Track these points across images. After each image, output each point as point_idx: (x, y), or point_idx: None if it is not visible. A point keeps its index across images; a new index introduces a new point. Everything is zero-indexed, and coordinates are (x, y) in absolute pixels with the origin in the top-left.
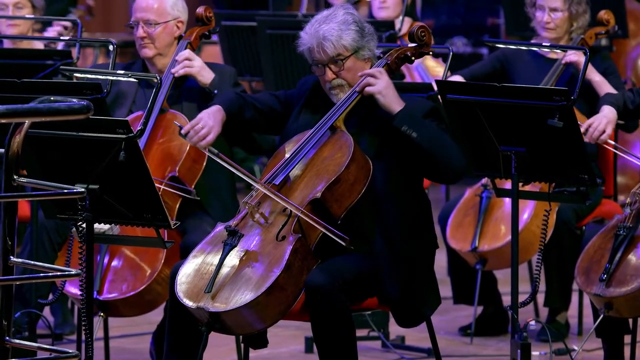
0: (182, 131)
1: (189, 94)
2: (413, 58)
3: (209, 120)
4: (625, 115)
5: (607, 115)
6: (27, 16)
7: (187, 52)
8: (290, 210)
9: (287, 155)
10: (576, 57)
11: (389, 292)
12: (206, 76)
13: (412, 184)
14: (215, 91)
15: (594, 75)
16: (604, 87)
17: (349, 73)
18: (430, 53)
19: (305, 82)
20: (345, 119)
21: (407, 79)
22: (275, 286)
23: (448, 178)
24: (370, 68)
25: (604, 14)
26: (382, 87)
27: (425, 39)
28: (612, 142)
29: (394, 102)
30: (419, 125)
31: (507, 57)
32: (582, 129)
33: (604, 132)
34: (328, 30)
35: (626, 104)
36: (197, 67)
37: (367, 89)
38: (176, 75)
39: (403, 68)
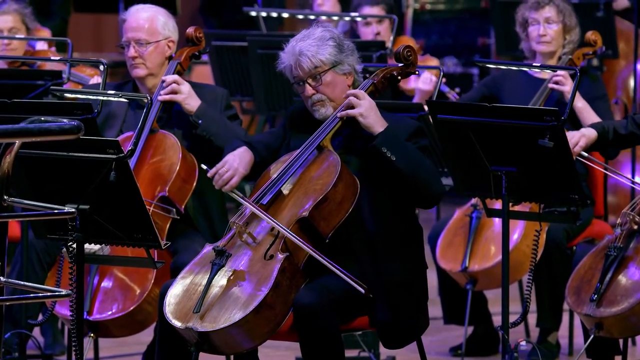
0: (208, 174)
1: (178, 118)
2: (399, 78)
3: (234, 163)
4: (616, 141)
5: (581, 131)
6: (18, 36)
7: (175, 76)
8: (278, 230)
9: (274, 175)
10: (559, 85)
11: (379, 315)
12: (192, 104)
13: (399, 204)
14: (200, 121)
15: (577, 101)
16: (586, 113)
17: (327, 87)
18: (417, 73)
19: (291, 110)
20: (332, 139)
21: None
22: (263, 305)
23: (424, 202)
24: (352, 82)
25: (591, 35)
26: (363, 109)
27: (412, 58)
28: (602, 163)
29: (376, 124)
30: (398, 147)
31: (495, 82)
32: None
33: (577, 144)
34: (305, 46)
35: (617, 130)
36: (184, 94)
37: (349, 111)
38: (160, 99)
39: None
